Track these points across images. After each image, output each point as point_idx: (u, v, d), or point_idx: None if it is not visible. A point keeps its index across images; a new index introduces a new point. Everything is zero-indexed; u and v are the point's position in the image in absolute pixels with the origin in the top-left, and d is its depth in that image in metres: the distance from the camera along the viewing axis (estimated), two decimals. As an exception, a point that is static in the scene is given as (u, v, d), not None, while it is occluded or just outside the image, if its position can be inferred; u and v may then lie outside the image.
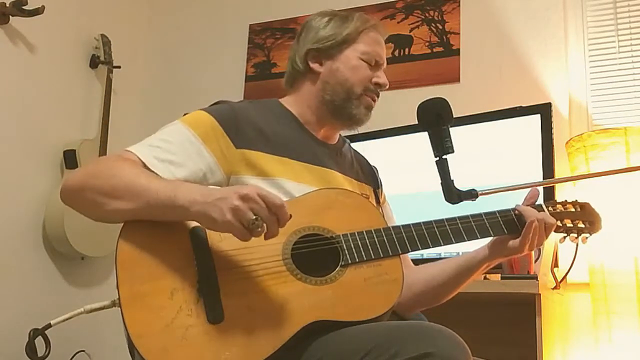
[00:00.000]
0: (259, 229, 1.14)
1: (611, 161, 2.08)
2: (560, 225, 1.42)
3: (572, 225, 1.43)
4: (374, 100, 1.52)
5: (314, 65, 1.52)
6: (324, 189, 1.38)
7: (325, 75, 1.51)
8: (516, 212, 1.39)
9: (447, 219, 1.37)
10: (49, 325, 1.30)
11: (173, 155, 1.33)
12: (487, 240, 1.41)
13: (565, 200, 1.47)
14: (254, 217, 1.13)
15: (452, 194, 1.36)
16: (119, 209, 1.24)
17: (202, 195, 1.18)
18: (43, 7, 2.64)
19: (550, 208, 1.43)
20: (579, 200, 1.47)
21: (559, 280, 2.09)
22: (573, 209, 1.45)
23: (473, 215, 1.38)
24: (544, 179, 2.17)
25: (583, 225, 1.43)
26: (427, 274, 1.49)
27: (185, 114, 1.44)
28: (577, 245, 1.89)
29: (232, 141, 1.37)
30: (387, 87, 1.53)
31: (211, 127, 1.38)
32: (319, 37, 1.51)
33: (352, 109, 1.49)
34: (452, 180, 1.37)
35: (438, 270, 1.48)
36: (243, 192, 1.15)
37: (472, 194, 1.37)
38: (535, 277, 1.92)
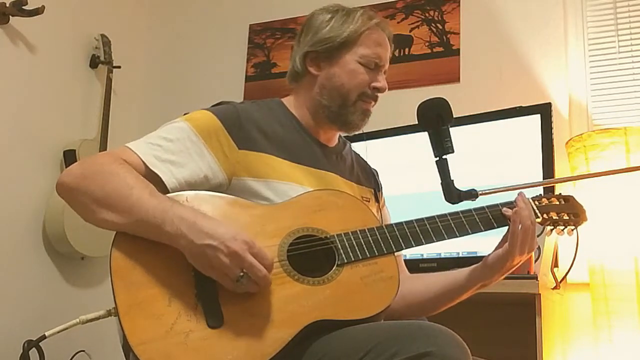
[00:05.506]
0: (243, 286, 1.16)
1: (611, 161, 2.08)
2: (547, 218, 1.42)
3: (557, 217, 1.43)
4: (372, 105, 1.50)
5: (312, 69, 1.49)
6: (316, 191, 1.38)
7: (323, 79, 1.48)
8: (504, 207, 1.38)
9: (438, 216, 1.37)
10: (44, 337, 1.30)
11: (173, 154, 1.33)
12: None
13: (550, 194, 1.48)
14: (241, 274, 1.16)
15: (452, 194, 1.36)
16: (108, 220, 1.23)
17: (190, 230, 1.17)
18: (43, 7, 2.63)
19: (535, 202, 1.43)
20: (562, 194, 1.48)
21: (559, 280, 2.09)
22: (557, 202, 1.46)
23: (463, 211, 1.38)
24: (544, 179, 2.17)
25: (568, 218, 1.44)
26: (422, 284, 1.47)
27: (185, 114, 1.43)
28: (576, 245, 1.89)
29: (234, 142, 1.37)
30: (386, 90, 1.49)
31: (213, 127, 1.37)
32: (317, 39, 1.48)
33: (348, 115, 1.47)
34: (452, 180, 1.37)
35: (433, 283, 1.47)
36: (233, 248, 1.15)
37: (472, 194, 1.37)
38: (535, 277, 1.91)
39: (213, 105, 1.46)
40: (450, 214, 1.38)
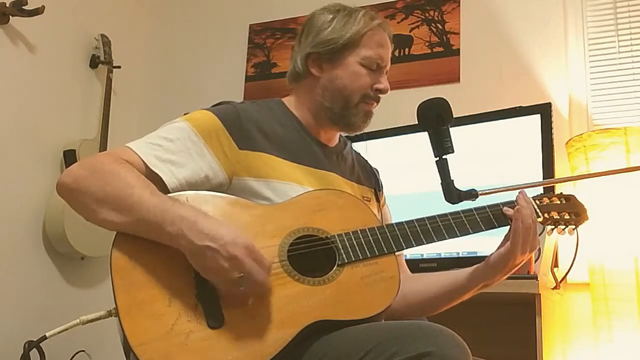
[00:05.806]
0: (242, 288, 1.16)
1: (611, 161, 2.08)
2: (548, 217, 1.42)
3: (558, 217, 1.43)
4: (374, 106, 1.50)
5: (314, 70, 1.49)
6: (316, 191, 1.38)
7: (325, 81, 1.48)
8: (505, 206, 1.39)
9: (439, 215, 1.37)
10: (44, 338, 1.30)
11: (174, 154, 1.32)
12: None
13: (551, 193, 1.48)
14: (240, 275, 1.15)
15: (452, 194, 1.36)
16: (108, 220, 1.23)
17: (190, 230, 1.17)
18: (43, 7, 2.63)
19: (536, 201, 1.43)
20: (564, 193, 1.48)
21: (559, 280, 2.09)
22: (559, 202, 1.46)
23: (464, 211, 1.38)
24: (544, 179, 2.17)
25: (569, 217, 1.44)
26: (423, 284, 1.47)
27: (185, 114, 1.43)
28: (577, 245, 1.89)
29: (235, 142, 1.36)
30: (388, 91, 1.49)
31: (214, 127, 1.36)
32: (319, 40, 1.47)
33: (350, 117, 1.47)
34: (452, 180, 1.37)
35: (433, 282, 1.46)
36: (233, 252, 1.15)
37: (472, 194, 1.37)
38: (535, 277, 1.91)
39: (213, 105, 1.46)
40: (451, 213, 1.38)
